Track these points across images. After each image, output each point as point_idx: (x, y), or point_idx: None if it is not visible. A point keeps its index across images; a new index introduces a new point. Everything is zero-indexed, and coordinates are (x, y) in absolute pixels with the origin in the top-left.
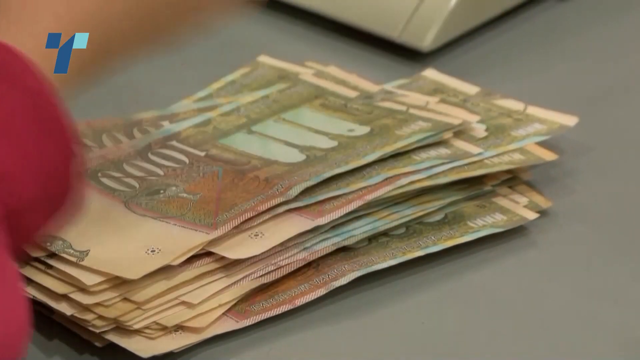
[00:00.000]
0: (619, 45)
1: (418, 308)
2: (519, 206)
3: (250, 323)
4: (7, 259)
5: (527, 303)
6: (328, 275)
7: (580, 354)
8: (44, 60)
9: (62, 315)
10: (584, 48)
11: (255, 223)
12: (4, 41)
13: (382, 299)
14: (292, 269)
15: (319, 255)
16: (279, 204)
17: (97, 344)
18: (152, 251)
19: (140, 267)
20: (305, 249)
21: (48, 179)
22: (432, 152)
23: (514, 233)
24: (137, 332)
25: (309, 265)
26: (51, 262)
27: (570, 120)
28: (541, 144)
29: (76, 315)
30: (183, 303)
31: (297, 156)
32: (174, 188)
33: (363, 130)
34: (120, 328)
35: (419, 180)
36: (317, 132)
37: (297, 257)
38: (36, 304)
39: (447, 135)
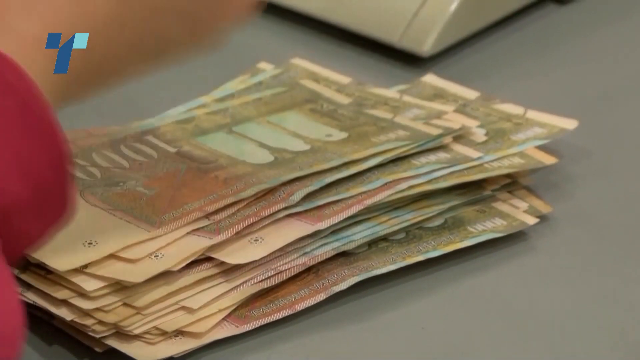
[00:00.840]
0: (618, 50)
1: (418, 313)
2: (519, 211)
3: (250, 328)
4: (0, 261)
5: (528, 308)
6: (328, 280)
7: (580, 358)
8: (31, 64)
9: (62, 320)
10: (584, 52)
11: (255, 228)
12: None
13: (382, 304)
14: (292, 274)
15: (319, 260)
16: (279, 210)
17: (97, 349)
18: (89, 244)
19: (72, 259)
20: (305, 253)
21: (36, 181)
22: (432, 157)
23: (514, 238)
24: (137, 337)
25: (309, 270)
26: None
27: (570, 124)
28: (541, 148)
29: (76, 320)
30: (183, 308)
31: (266, 157)
32: (133, 182)
33: (341, 135)
34: (120, 333)
35: (418, 185)
36: (295, 135)
37: (297, 262)
38: (36, 309)
39: (447, 140)
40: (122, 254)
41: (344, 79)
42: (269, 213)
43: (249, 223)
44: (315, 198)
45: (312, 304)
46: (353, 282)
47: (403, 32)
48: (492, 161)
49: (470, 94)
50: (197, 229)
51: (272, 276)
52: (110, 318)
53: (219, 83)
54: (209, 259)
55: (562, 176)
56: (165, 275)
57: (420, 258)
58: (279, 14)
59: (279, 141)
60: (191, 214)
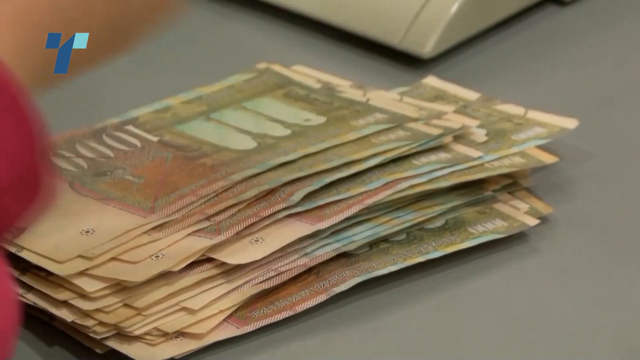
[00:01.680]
0: (619, 51)
1: (419, 314)
2: (520, 212)
3: (251, 329)
4: None
5: (528, 309)
6: (329, 281)
7: None
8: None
9: (62, 321)
10: (585, 55)
11: (256, 229)
12: None
13: (383, 305)
14: (293, 275)
15: (320, 261)
16: (279, 210)
17: (98, 350)
18: (86, 232)
19: (71, 248)
20: (305, 254)
21: (12, 161)
22: (432, 157)
23: (515, 239)
24: (138, 338)
25: (309, 271)
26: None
27: (570, 123)
28: (541, 147)
29: (77, 321)
30: (184, 309)
31: (248, 143)
32: (120, 171)
33: (319, 120)
34: (121, 334)
35: (419, 185)
36: (273, 120)
37: (298, 262)
38: (37, 310)
39: (448, 139)
40: (123, 257)
41: (472, 95)
42: (269, 213)
43: (250, 223)
44: (316, 198)
45: (313, 305)
46: (354, 283)
47: (404, 34)
48: (492, 161)
49: (471, 95)
50: (198, 230)
51: (272, 277)
52: (110, 319)
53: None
54: (209, 259)
55: (563, 178)
56: (165, 276)
57: (421, 259)
58: (279, 15)
59: (259, 126)
60: (184, 197)
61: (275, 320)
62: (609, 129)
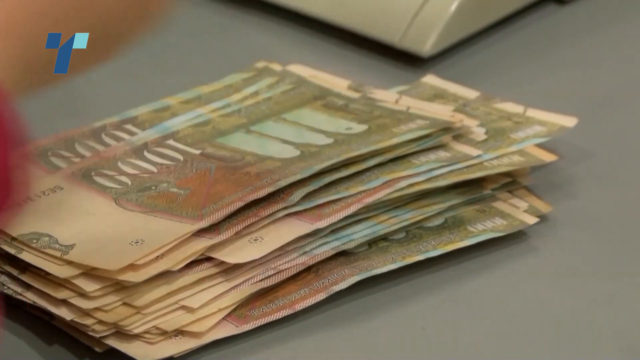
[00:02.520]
0: (619, 51)
1: (418, 313)
2: (519, 211)
3: (250, 328)
4: None
5: (527, 308)
6: (328, 279)
7: (578, 358)
8: None
9: (62, 320)
10: (585, 54)
11: (255, 228)
12: None
13: (382, 303)
14: (292, 273)
15: (319, 260)
16: (278, 210)
17: (97, 349)
18: (136, 242)
19: (122, 258)
20: (304, 253)
21: None
22: (432, 156)
23: (514, 238)
24: (137, 336)
25: (308, 269)
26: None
27: (570, 121)
28: (541, 146)
29: (76, 320)
30: (183, 307)
31: (292, 152)
32: (165, 184)
33: (361, 128)
34: (120, 333)
35: (418, 183)
36: (315, 130)
37: (297, 261)
38: (36, 309)
39: (447, 138)
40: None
41: (471, 94)
42: (268, 213)
43: (249, 223)
44: (315, 197)
45: (312, 303)
46: (353, 282)
47: (403, 33)
48: (492, 159)
49: (470, 93)
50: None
51: (271, 275)
52: (110, 317)
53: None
54: (208, 258)
55: (562, 176)
56: (165, 275)
57: (420, 257)
58: (279, 14)
59: (301, 137)
60: (232, 204)
61: (274, 319)
62: (608, 128)
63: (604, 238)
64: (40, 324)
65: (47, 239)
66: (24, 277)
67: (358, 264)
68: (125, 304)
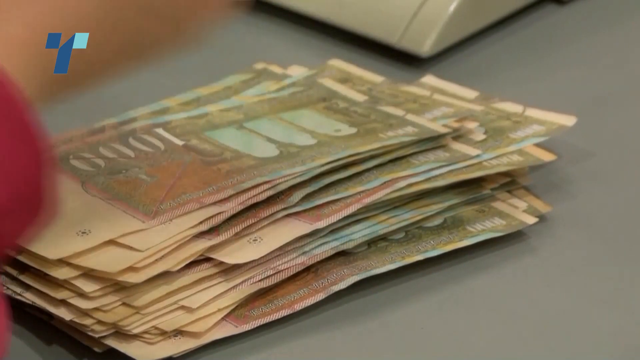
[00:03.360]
0: (618, 51)
1: (417, 313)
2: (518, 211)
3: (249, 328)
4: None
5: (526, 308)
6: (327, 279)
7: (577, 359)
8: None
9: (61, 320)
10: (584, 53)
11: (254, 229)
12: None
13: (382, 303)
14: (291, 274)
15: (318, 260)
16: (278, 210)
17: (97, 349)
18: (82, 232)
19: (64, 247)
20: (304, 253)
21: (15, 185)
22: (431, 156)
23: (513, 238)
24: (136, 337)
25: (308, 269)
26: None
27: (569, 120)
28: (540, 145)
29: (75, 320)
30: (182, 308)
31: (271, 151)
32: (136, 169)
33: (350, 131)
34: (120, 333)
35: (417, 183)
36: (305, 131)
37: (296, 261)
38: (35, 309)
39: (446, 139)
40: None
41: (377, 78)
42: (268, 214)
43: (248, 224)
44: (314, 197)
45: (311, 303)
46: (352, 282)
47: (402, 33)
48: (491, 159)
49: (469, 93)
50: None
51: (271, 275)
52: (109, 318)
53: (214, 83)
54: (208, 259)
55: (561, 176)
56: (164, 275)
57: (420, 257)
58: (279, 14)
59: (288, 136)
60: (187, 204)
61: (273, 319)
62: (607, 128)
63: (603, 238)
64: (39, 324)
65: None
66: (23, 278)
67: (357, 264)
68: (124, 304)
